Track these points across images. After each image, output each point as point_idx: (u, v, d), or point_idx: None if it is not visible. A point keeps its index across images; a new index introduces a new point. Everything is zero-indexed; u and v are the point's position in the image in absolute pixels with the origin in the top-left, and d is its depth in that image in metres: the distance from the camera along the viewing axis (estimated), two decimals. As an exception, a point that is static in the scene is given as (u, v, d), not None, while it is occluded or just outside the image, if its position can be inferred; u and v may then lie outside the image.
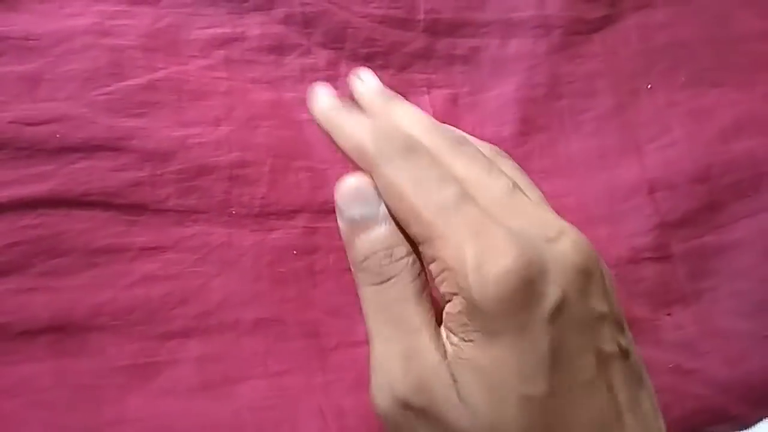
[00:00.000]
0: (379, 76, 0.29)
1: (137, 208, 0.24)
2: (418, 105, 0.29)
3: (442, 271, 0.16)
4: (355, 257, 0.18)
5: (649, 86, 0.31)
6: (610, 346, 0.16)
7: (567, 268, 0.15)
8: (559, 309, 0.15)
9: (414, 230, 0.17)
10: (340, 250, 0.26)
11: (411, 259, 0.17)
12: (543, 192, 0.20)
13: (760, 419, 0.25)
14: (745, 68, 0.32)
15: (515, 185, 0.18)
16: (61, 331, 0.22)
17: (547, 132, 0.30)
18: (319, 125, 0.20)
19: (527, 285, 0.15)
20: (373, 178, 0.18)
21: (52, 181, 0.23)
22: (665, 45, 0.32)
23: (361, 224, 0.18)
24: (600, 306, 0.16)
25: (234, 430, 0.22)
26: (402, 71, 0.30)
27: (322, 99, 0.20)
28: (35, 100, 0.24)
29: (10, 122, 0.23)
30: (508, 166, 0.20)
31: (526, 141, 0.29)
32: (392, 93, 0.22)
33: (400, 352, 0.16)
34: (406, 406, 0.16)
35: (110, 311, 0.23)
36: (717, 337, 0.26)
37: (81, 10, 0.26)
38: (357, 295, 0.25)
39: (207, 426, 0.22)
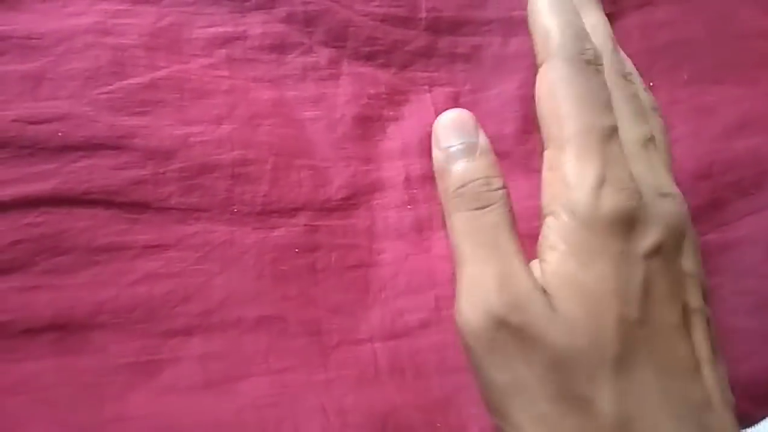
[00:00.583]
0: (380, 75, 0.29)
1: (139, 207, 0.24)
2: (419, 103, 0.29)
3: (559, 180, 0.17)
4: (451, 184, 0.18)
5: (651, 84, 0.31)
6: (695, 303, 0.17)
7: (668, 222, 0.17)
8: (655, 251, 0.16)
9: (552, 131, 0.17)
10: (342, 248, 0.26)
11: (506, 191, 0.18)
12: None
13: (764, 417, 0.25)
14: (749, 66, 0.32)
15: (651, 139, 0.18)
16: (64, 329, 0.22)
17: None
18: None
19: (632, 220, 0.16)
20: (544, 65, 0.18)
21: (55, 180, 0.23)
22: (667, 43, 0.32)
23: (460, 153, 0.18)
24: (689, 266, 0.17)
25: (236, 428, 0.22)
26: (403, 69, 0.30)
27: None
28: (37, 98, 0.24)
29: (13, 121, 0.23)
30: (656, 122, 0.20)
31: (528, 139, 0.29)
32: None
33: (495, 273, 0.17)
34: (501, 324, 0.16)
35: (112, 309, 0.23)
36: (721, 334, 0.26)
37: (83, 9, 0.26)
38: (359, 293, 0.25)
39: (209, 423, 0.22)
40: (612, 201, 0.16)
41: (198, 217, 0.25)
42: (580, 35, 0.18)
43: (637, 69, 0.31)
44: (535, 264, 0.18)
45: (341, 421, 0.23)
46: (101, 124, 0.24)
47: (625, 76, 0.19)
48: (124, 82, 0.25)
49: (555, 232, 0.17)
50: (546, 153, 0.18)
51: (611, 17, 0.32)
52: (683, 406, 0.16)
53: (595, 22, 0.20)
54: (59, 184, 0.23)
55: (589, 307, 0.16)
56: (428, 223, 0.27)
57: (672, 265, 0.17)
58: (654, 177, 0.18)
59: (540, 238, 0.17)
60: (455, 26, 0.31)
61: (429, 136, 0.28)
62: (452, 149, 0.19)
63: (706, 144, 0.29)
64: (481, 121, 0.29)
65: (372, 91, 0.29)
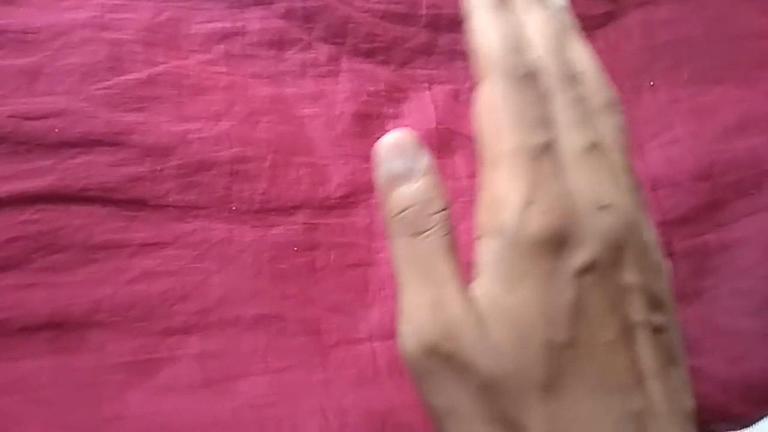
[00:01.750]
0: (380, 72, 0.29)
1: (137, 204, 0.24)
2: (419, 101, 0.29)
3: (489, 201, 0.17)
4: (391, 209, 0.18)
5: (651, 83, 0.31)
6: (638, 316, 0.16)
7: (603, 237, 0.16)
8: (587, 269, 0.16)
9: (486, 150, 0.17)
10: (341, 246, 0.26)
11: (445, 214, 0.18)
12: None
13: (760, 418, 0.25)
14: (749, 66, 0.32)
15: (595, 145, 0.18)
16: (60, 327, 0.22)
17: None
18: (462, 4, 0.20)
19: (561, 240, 0.16)
20: (482, 82, 0.18)
21: (51, 176, 0.23)
22: (668, 42, 0.32)
23: (400, 177, 0.18)
24: (631, 278, 0.17)
25: (234, 427, 0.22)
26: (403, 66, 0.30)
27: None
28: (34, 94, 0.24)
29: (9, 116, 0.23)
30: (610, 122, 0.19)
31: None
32: None
33: (428, 300, 0.17)
34: (433, 352, 0.16)
35: (110, 307, 0.23)
36: (718, 335, 0.26)
37: (80, 3, 0.26)
38: (357, 292, 0.25)
39: (207, 423, 0.22)
40: (538, 221, 0.16)
41: (196, 215, 0.25)
42: (516, 49, 0.18)
43: (639, 67, 0.31)
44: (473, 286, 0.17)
45: (340, 421, 0.23)
46: (98, 120, 0.24)
47: (571, 78, 0.19)
48: (122, 77, 0.25)
49: (485, 255, 0.17)
50: (482, 172, 0.18)
51: (612, 15, 0.32)
52: (621, 422, 0.16)
53: (540, 21, 0.20)
54: (56, 180, 0.23)
55: (515, 331, 0.16)
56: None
57: (609, 280, 0.16)
58: (594, 188, 0.17)
59: (476, 259, 0.17)
60: (455, 23, 0.31)
61: (429, 134, 0.28)
62: (392, 173, 0.18)
63: (706, 144, 0.29)
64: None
65: (371, 88, 0.29)
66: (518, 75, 0.18)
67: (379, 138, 0.28)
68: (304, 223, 0.26)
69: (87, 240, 0.23)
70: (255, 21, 0.28)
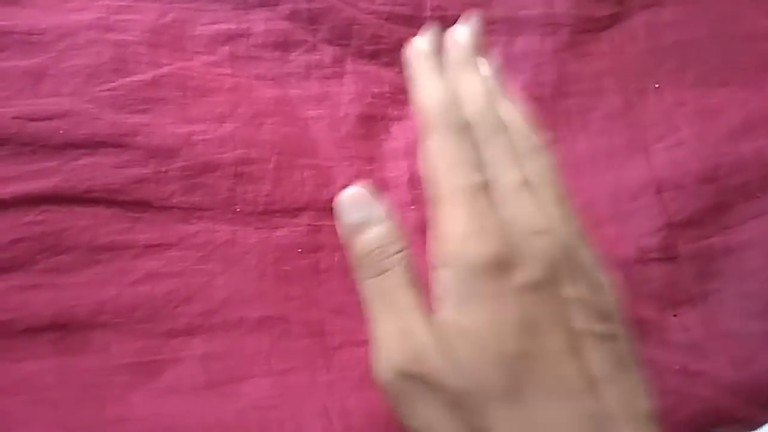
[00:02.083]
0: (384, 74, 0.29)
1: (141, 205, 0.24)
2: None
3: (439, 235, 0.19)
4: (356, 254, 0.20)
5: (656, 85, 0.31)
6: (582, 325, 0.18)
7: (540, 258, 0.18)
8: (528, 286, 0.18)
9: (432, 193, 0.20)
10: (345, 248, 0.26)
11: (403, 254, 0.20)
12: None
13: (766, 421, 0.25)
14: (754, 68, 0.32)
15: (524, 182, 0.20)
16: (64, 328, 0.22)
17: (554, 131, 0.30)
18: (406, 65, 0.24)
19: (500, 263, 0.18)
20: (426, 134, 0.21)
21: (56, 178, 0.23)
22: (673, 44, 0.32)
23: (360, 226, 0.20)
24: (572, 292, 0.18)
25: (238, 429, 0.22)
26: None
27: (419, 44, 0.24)
28: (39, 95, 0.24)
29: (14, 117, 0.23)
30: (538, 162, 0.21)
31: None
32: (471, 58, 0.24)
33: (396, 330, 0.19)
34: (404, 376, 0.18)
35: (113, 309, 0.23)
36: (724, 338, 0.26)
37: (85, 4, 0.26)
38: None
39: (211, 424, 0.22)
40: (477, 248, 0.18)
41: (200, 217, 0.25)
42: (452, 106, 0.21)
43: (644, 69, 0.31)
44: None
45: (344, 423, 0.23)
46: (103, 122, 0.24)
47: (499, 129, 0.21)
48: (127, 79, 0.25)
49: (438, 285, 0.19)
50: (432, 212, 0.20)
51: (617, 17, 0.32)
52: (579, 424, 0.17)
53: (470, 84, 0.22)
54: (60, 182, 0.23)
55: (472, 350, 0.18)
56: (432, 223, 0.27)
57: (550, 295, 0.18)
58: (527, 217, 0.19)
59: (434, 290, 0.19)
60: (460, 25, 0.31)
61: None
62: (352, 224, 0.20)
63: (711, 146, 0.29)
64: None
65: (376, 90, 0.29)
66: (455, 127, 0.20)
67: (383, 140, 0.28)
68: (309, 225, 0.26)
69: (91, 241, 0.23)
70: (260, 23, 0.28)
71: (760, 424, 0.25)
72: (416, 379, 0.18)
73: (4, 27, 0.24)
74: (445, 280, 0.19)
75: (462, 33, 0.25)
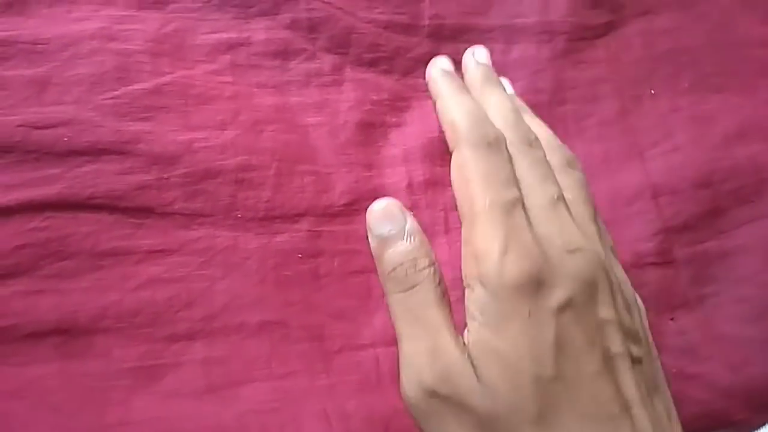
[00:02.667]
0: (383, 82, 0.29)
1: (143, 212, 0.24)
2: (422, 110, 0.29)
3: (471, 254, 0.18)
4: (384, 269, 0.20)
5: (652, 92, 0.31)
6: (617, 348, 0.18)
7: (576, 276, 0.18)
8: (564, 306, 0.17)
9: (464, 209, 0.19)
10: (344, 253, 0.26)
11: (433, 269, 0.19)
12: None
13: (762, 424, 0.25)
14: (748, 74, 0.32)
15: (560, 198, 0.20)
16: (67, 333, 0.23)
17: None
18: (428, 88, 0.23)
19: (537, 282, 0.17)
20: (453, 153, 0.20)
21: (59, 185, 0.24)
22: (668, 51, 0.32)
23: (389, 240, 0.20)
24: (606, 313, 0.18)
25: (238, 433, 0.22)
26: (406, 76, 0.30)
27: (442, 64, 0.24)
28: (43, 103, 0.24)
29: (18, 126, 0.24)
30: (572, 178, 0.21)
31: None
32: (495, 77, 0.24)
33: (426, 348, 0.18)
34: (433, 395, 0.18)
35: (116, 314, 0.23)
36: (720, 342, 0.26)
37: (88, 14, 0.26)
38: (361, 298, 0.26)
39: (211, 428, 0.22)
40: (515, 267, 0.17)
41: (201, 223, 0.25)
42: (481, 122, 0.20)
43: (639, 76, 0.31)
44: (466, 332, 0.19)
45: (343, 427, 0.23)
46: (106, 129, 0.24)
47: (531, 143, 0.21)
48: (129, 87, 0.25)
49: (472, 303, 0.18)
50: (462, 229, 0.19)
51: (612, 25, 0.32)
52: None
53: (497, 100, 0.22)
54: (64, 188, 0.23)
55: (505, 371, 0.17)
56: (431, 229, 0.27)
57: (586, 316, 0.17)
58: (562, 234, 0.19)
59: (465, 309, 0.18)
60: (458, 33, 0.31)
61: (431, 142, 0.29)
62: (382, 237, 0.20)
63: (706, 152, 0.30)
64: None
65: (375, 98, 0.29)
66: (484, 143, 0.20)
67: (381, 147, 0.29)
68: (308, 231, 0.26)
69: (94, 247, 0.24)
70: (260, 31, 0.29)
71: (757, 427, 0.25)
72: (445, 399, 0.17)
73: (9, 37, 0.25)
74: (477, 299, 0.18)
75: (481, 54, 0.25)
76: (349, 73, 0.29)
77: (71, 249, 0.23)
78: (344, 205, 0.27)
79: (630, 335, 0.18)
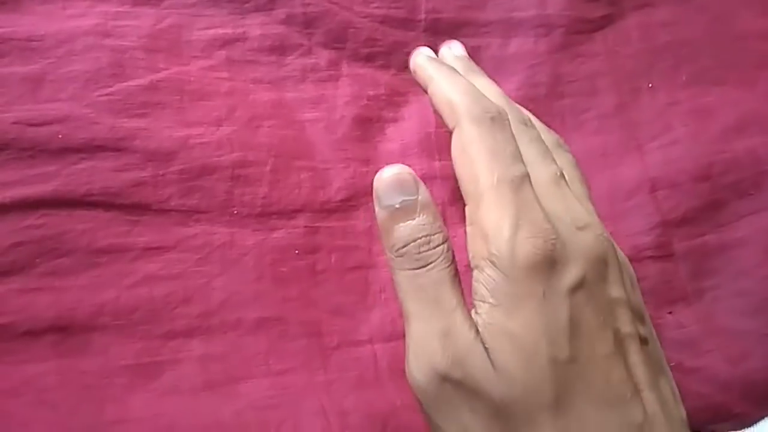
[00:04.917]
0: (379, 76, 0.29)
1: (139, 208, 0.24)
2: (419, 104, 0.29)
3: (479, 234, 0.17)
4: (393, 244, 0.19)
5: (650, 85, 0.31)
6: (627, 328, 0.17)
7: (587, 254, 0.17)
8: (577, 286, 0.17)
9: (469, 188, 0.18)
10: (342, 249, 0.26)
11: (446, 245, 0.18)
12: None
13: (761, 418, 0.25)
14: (747, 67, 0.32)
15: (562, 175, 0.19)
16: (64, 331, 0.23)
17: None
18: (415, 75, 0.23)
19: (551, 261, 0.16)
20: (452, 132, 0.19)
21: (55, 182, 0.23)
22: (667, 44, 0.32)
23: (401, 212, 0.18)
24: (616, 292, 0.17)
25: (236, 429, 0.22)
26: (403, 71, 0.30)
27: (426, 52, 0.24)
28: (38, 100, 0.24)
29: (13, 123, 0.23)
30: (564, 158, 0.21)
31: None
32: (476, 67, 0.24)
33: (438, 330, 0.17)
34: (444, 379, 0.17)
35: (113, 311, 0.23)
36: (719, 335, 0.26)
37: (83, 11, 0.26)
38: (358, 294, 0.26)
39: (210, 425, 0.22)
40: (528, 246, 0.16)
41: (198, 219, 0.25)
42: (480, 97, 0.19)
43: (637, 69, 0.31)
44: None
45: (342, 422, 0.23)
46: (101, 126, 0.24)
47: (526, 123, 0.20)
48: (124, 83, 0.25)
49: (482, 285, 0.17)
50: (466, 209, 0.18)
51: (610, 18, 0.32)
52: None
53: (484, 84, 0.22)
54: (60, 186, 0.23)
55: (520, 355, 0.16)
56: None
57: (598, 295, 0.17)
58: (569, 211, 0.18)
59: (472, 290, 0.18)
60: (454, 28, 0.31)
61: (429, 137, 0.29)
62: (393, 208, 0.19)
63: (705, 145, 0.29)
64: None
65: (371, 93, 0.29)
66: (487, 118, 0.19)
67: (378, 142, 0.29)
68: (305, 227, 0.26)
69: (90, 244, 0.23)
70: (256, 27, 0.28)
71: (756, 421, 0.25)
72: (457, 384, 0.17)
73: (3, 33, 0.25)
74: (489, 280, 0.17)
75: (457, 48, 0.25)
76: (345, 68, 0.29)
77: (67, 246, 0.23)
78: (341, 200, 0.27)
79: (637, 315, 0.18)
